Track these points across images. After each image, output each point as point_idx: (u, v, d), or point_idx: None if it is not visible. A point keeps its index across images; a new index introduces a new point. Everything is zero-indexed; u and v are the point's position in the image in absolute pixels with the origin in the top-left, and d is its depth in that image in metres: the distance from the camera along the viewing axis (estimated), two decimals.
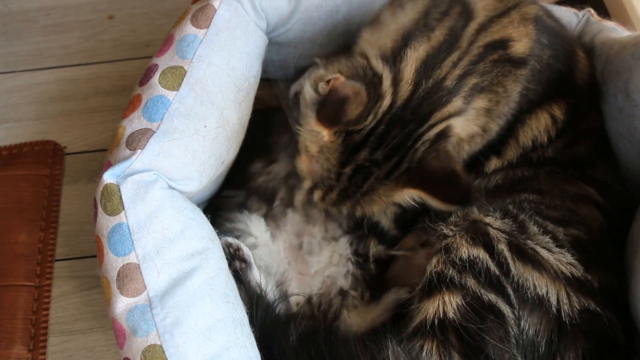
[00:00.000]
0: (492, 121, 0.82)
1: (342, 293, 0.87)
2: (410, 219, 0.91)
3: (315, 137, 0.79)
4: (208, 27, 0.83)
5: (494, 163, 0.85)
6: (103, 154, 1.16)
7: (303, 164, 0.82)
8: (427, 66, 0.77)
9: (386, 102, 0.76)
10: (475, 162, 0.86)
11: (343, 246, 0.90)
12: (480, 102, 0.80)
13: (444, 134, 0.77)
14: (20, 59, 1.28)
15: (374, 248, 0.91)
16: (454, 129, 0.78)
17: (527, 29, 0.80)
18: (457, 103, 0.78)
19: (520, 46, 0.79)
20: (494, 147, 0.85)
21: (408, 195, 0.78)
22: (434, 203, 0.77)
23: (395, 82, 0.77)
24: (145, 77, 0.81)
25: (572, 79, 0.85)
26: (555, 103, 0.84)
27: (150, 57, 1.25)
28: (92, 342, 0.98)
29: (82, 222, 1.09)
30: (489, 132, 0.83)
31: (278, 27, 0.93)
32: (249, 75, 0.86)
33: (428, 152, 0.77)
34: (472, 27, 0.79)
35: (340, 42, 1.00)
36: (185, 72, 0.80)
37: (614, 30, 0.91)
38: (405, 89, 0.77)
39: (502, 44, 0.79)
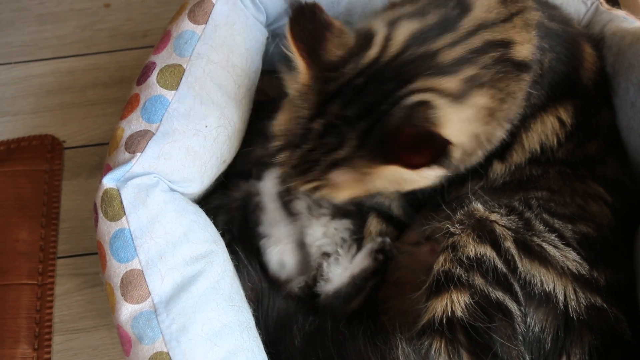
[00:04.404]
0: (497, 126, 0.78)
1: (325, 254, 0.88)
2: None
3: (293, 78, 0.73)
4: (206, 23, 0.80)
5: (498, 168, 0.83)
6: (103, 148, 1.14)
7: (280, 116, 0.75)
8: (421, 36, 0.72)
9: (372, 53, 0.71)
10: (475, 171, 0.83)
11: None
12: (481, 99, 0.73)
13: (424, 105, 0.68)
14: (15, 50, 1.26)
15: (377, 227, 0.90)
16: (450, 136, 0.67)
17: (530, 34, 0.78)
18: (450, 83, 0.70)
19: (523, 50, 0.76)
20: (496, 153, 0.82)
21: (386, 177, 0.70)
22: (409, 177, 0.69)
23: (387, 39, 0.72)
24: (142, 76, 0.79)
25: (578, 79, 0.83)
26: (561, 106, 0.81)
27: (148, 47, 1.25)
28: (97, 340, 0.98)
29: (83, 218, 1.08)
30: (492, 141, 0.79)
31: (278, 20, 0.91)
32: (249, 71, 0.84)
33: (405, 120, 0.68)
34: (470, 20, 0.75)
35: None
36: (184, 70, 0.78)
37: (625, 20, 0.88)
38: (395, 48, 0.71)
39: (505, 44, 0.76)
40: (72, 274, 1.03)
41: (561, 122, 0.81)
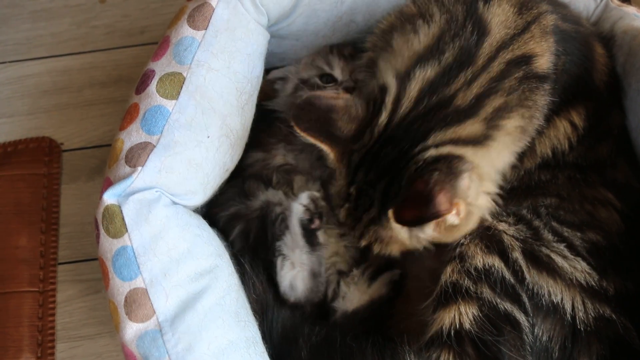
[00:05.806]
0: (527, 138, 0.77)
1: (341, 273, 0.87)
2: None
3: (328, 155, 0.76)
4: (206, 29, 0.78)
5: (508, 173, 0.82)
6: (102, 150, 1.12)
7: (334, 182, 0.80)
8: (434, 85, 0.72)
9: (382, 119, 0.72)
10: None
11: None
12: (514, 122, 0.73)
13: (447, 161, 0.67)
14: (8, 49, 1.23)
15: None
16: (479, 168, 0.70)
17: (548, 42, 0.76)
18: (474, 126, 0.71)
19: (544, 61, 0.75)
20: None
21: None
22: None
23: (397, 99, 0.72)
24: (141, 85, 0.77)
25: (590, 81, 0.81)
26: (574, 109, 0.80)
27: (146, 44, 1.22)
28: (100, 348, 0.97)
29: (83, 222, 1.06)
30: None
31: (280, 21, 0.89)
32: (251, 77, 0.81)
33: (415, 175, 0.68)
34: (489, 43, 0.73)
35: (344, 33, 0.95)
36: (184, 78, 0.75)
37: (636, 18, 0.86)
38: (405, 106, 0.72)
39: (526, 59, 0.74)
40: (74, 280, 1.02)
41: (573, 125, 0.80)
